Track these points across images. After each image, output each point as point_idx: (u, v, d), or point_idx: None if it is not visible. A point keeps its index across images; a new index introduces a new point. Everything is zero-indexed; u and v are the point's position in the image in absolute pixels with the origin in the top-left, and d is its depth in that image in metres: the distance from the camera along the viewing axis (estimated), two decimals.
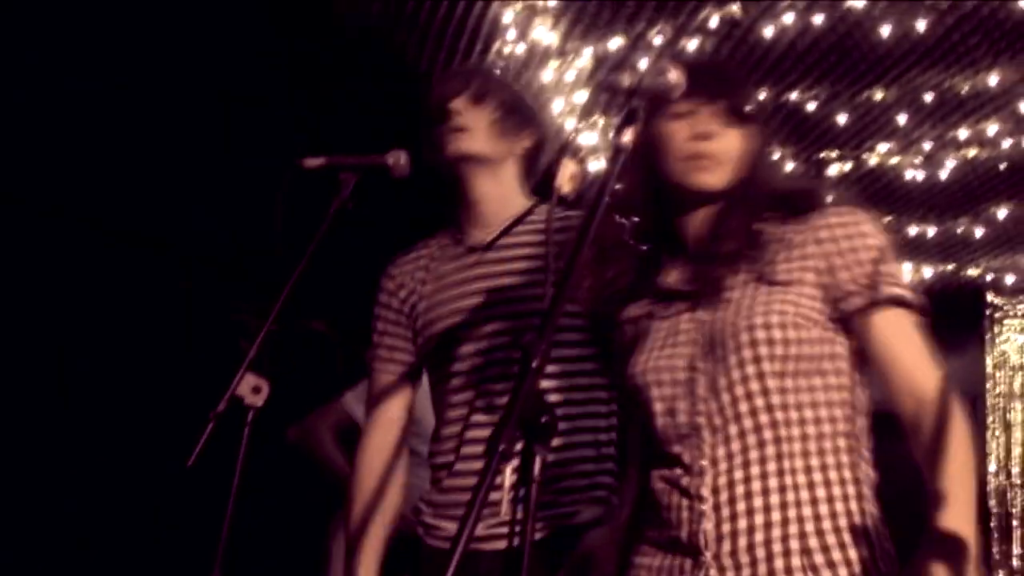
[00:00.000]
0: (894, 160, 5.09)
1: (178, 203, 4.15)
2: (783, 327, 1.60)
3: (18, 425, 3.85)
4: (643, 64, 4.35)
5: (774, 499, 1.57)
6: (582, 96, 4.65)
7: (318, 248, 2.11)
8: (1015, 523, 6.24)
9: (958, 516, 1.50)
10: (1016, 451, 6.38)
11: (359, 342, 4.07)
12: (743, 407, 1.60)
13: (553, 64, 4.47)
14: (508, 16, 4.18)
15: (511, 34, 4.27)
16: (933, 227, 5.82)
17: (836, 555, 1.55)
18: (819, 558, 1.54)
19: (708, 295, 1.67)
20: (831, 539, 1.56)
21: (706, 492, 1.59)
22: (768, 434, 1.59)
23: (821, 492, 1.58)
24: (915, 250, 6.09)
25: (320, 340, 4.17)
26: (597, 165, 5.28)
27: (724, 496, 1.58)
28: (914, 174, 5.14)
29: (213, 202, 4.10)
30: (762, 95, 4.44)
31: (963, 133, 4.78)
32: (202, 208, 4.13)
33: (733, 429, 1.59)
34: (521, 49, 4.34)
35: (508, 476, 1.08)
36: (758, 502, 1.57)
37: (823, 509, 1.57)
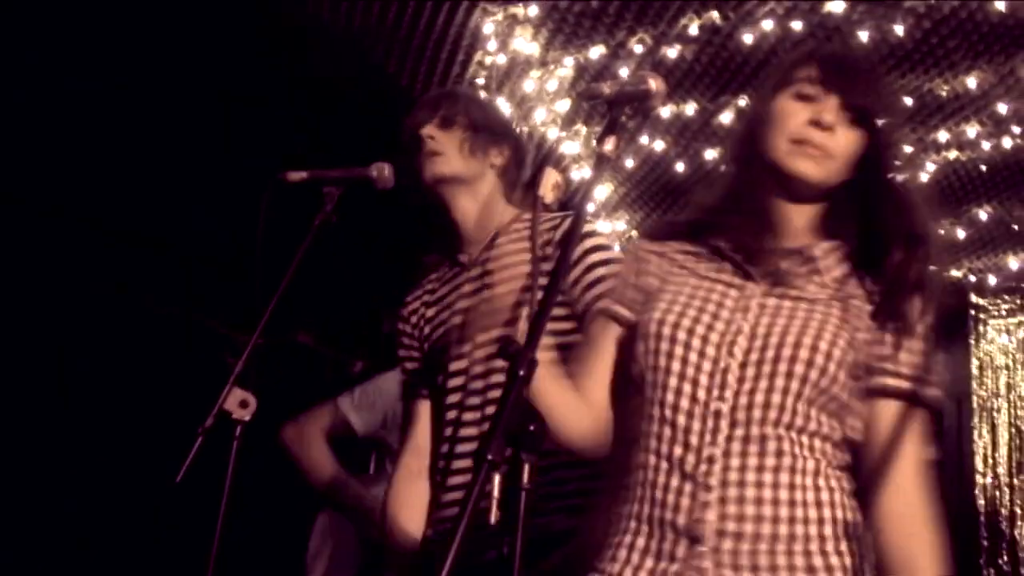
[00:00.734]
0: None
1: (178, 203, 4.14)
2: (840, 365, 1.57)
3: (16, 427, 3.82)
4: (624, 72, 4.37)
5: (783, 512, 1.54)
6: (564, 105, 4.66)
7: (303, 261, 2.11)
8: (1003, 523, 6.26)
9: None
10: (1002, 451, 6.40)
11: (345, 354, 4.08)
12: (773, 415, 1.56)
13: (534, 74, 4.49)
14: (489, 27, 4.20)
15: (492, 45, 4.29)
16: None
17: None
18: None
19: (779, 287, 1.64)
20: (834, 560, 1.55)
21: (714, 482, 1.54)
22: (787, 448, 1.56)
23: (827, 513, 1.57)
24: None
25: (306, 353, 4.17)
26: (580, 174, 5.31)
27: (733, 492, 1.54)
28: (895, 177, 5.16)
29: (213, 202, 4.09)
30: (743, 102, 4.46)
31: (943, 136, 4.80)
32: (202, 208, 4.13)
33: (756, 431, 1.55)
34: (502, 59, 4.35)
35: (496, 484, 1.08)
36: (768, 511, 1.54)
37: (827, 531, 1.56)
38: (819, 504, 1.56)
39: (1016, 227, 5.66)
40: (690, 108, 4.68)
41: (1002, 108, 4.51)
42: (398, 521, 2.24)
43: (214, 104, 4.06)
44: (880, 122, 1.65)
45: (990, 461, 6.40)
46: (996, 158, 4.93)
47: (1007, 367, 6.54)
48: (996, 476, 6.36)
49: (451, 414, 2.17)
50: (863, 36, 4.07)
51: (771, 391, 1.56)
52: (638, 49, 4.27)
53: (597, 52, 4.34)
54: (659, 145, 4.96)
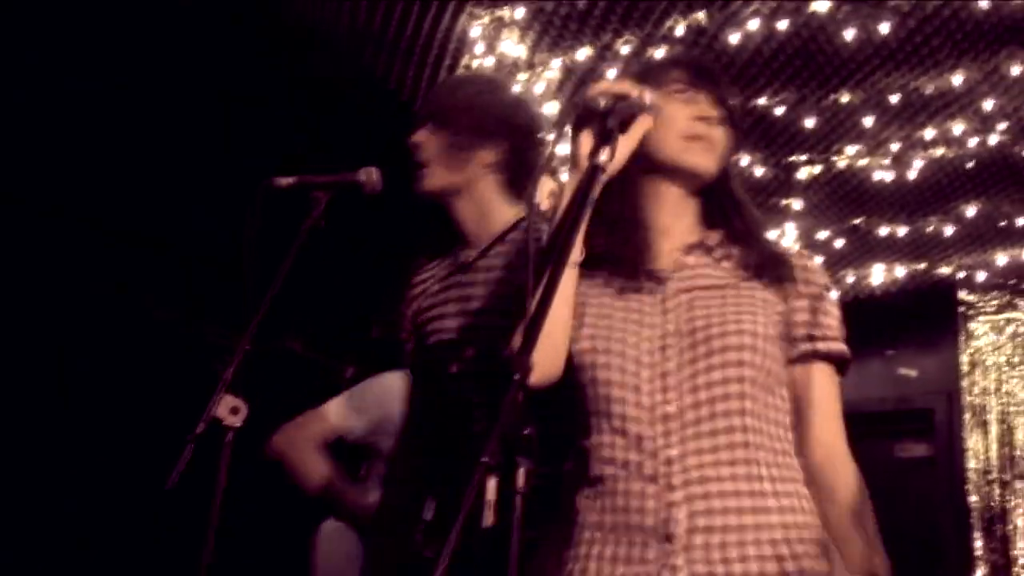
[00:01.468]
0: (863, 162, 5.13)
1: (178, 203, 4.13)
2: (765, 339, 1.63)
3: (15, 428, 3.80)
4: (611, 74, 4.37)
5: (746, 502, 1.56)
6: (552, 108, 4.66)
7: (291, 267, 2.10)
8: (994, 519, 6.28)
9: (877, 552, 1.61)
10: (993, 448, 6.42)
11: (335, 359, 4.07)
12: (720, 407, 1.59)
13: (522, 77, 4.49)
14: (476, 30, 4.20)
15: (479, 48, 4.29)
16: (904, 227, 5.86)
17: (806, 563, 1.55)
18: (790, 566, 1.54)
19: (690, 281, 1.69)
20: (799, 548, 1.56)
21: (677, 481, 1.56)
22: (739, 437, 1.59)
23: (785, 501, 1.59)
24: (886, 250, 6.13)
25: (295, 359, 4.15)
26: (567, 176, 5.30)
27: (698, 489, 1.56)
28: (883, 175, 5.18)
29: (213, 202, 4.08)
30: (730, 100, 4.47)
31: (929, 133, 4.82)
32: (202, 208, 4.12)
33: (706, 426, 1.58)
34: (490, 62, 4.35)
35: (491, 489, 1.08)
36: (732, 503, 1.56)
37: (788, 518, 1.58)
38: (777, 494, 1.59)
39: (1004, 223, 5.68)
40: None
41: (988, 105, 4.53)
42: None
43: (214, 104, 4.05)
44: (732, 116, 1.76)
45: (981, 458, 6.42)
46: (983, 154, 4.95)
47: (996, 364, 6.56)
48: (987, 473, 6.38)
49: (440, 417, 2.17)
50: (848, 35, 4.08)
51: (711, 384, 1.60)
52: (625, 51, 4.27)
53: (584, 54, 4.35)
54: None
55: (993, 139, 4.81)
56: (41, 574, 3.91)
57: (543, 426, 1.84)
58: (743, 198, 1.79)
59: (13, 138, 3.68)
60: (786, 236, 5.76)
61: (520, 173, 2.19)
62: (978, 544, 6.23)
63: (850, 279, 6.46)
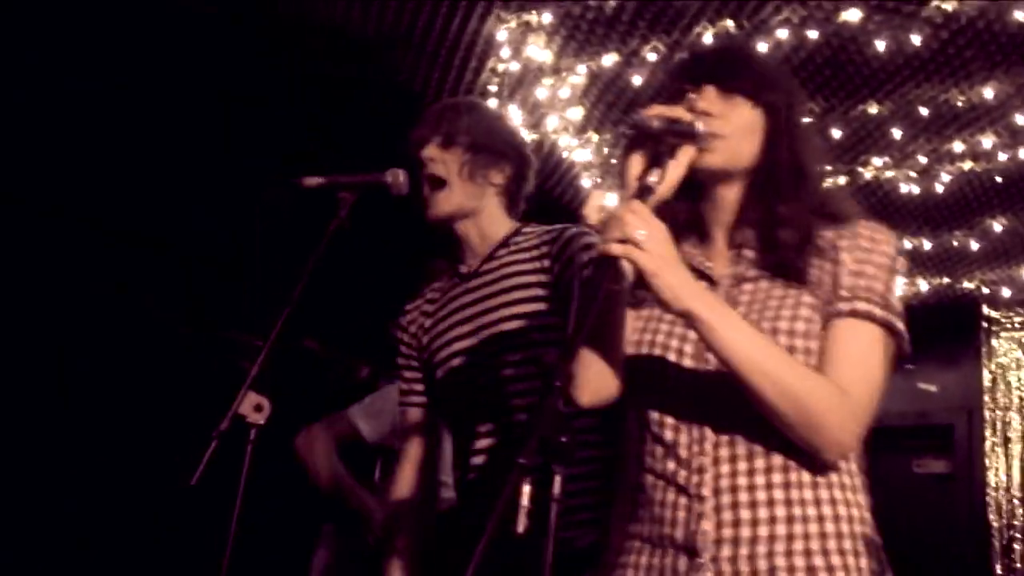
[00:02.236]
0: (889, 174, 5.10)
1: (178, 203, 4.15)
2: (806, 337, 1.55)
3: (16, 429, 3.81)
4: (637, 80, 4.36)
5: (780, 511, 1.52)
6: (576, 113, 4.65)
7: (317, 266, 2.10)
8: (1017, 536, 6.22)
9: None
10: (1016, 464, 6.37)
11: (351, 359, 4.07)
12: (755, 411, 1.52)
13: (547, 81, 4.48)
14: (502, 34, 4.19)
15: (505, 52, 4.28)
16: (928, 240, 5.83)
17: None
18: None
19: (726, 285, 1.63)
20: (836, 560, 1.52)
21: (707, 492, 1.54)
22: (776, 442, 1.53)
23: (827, 510, 1.54)
24: (911, 263, 6.09)
25: (313, 358, 4.16)
26: (590, 181, 5.29)
27: (727, 499, 1.53)
28: (909, 188, 5.15)
29: (213, 202, 4.09)
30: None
31: (958, 146, 4.79)
32: (202, 208, 4.13)
33: (741, 433, 1.54)
34: (515, 66, 4.34)
35: (526, 493, 1.06)
36: (763, 512, 1.52)
37: (829, 527, 1.53)
38: (818, 502, 1.54)
39: None
40: None
41: (1019, 119, 4.50)
42: (395, 530, 2.31)
43: (214, 104, 4.06)
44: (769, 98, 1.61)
45: (1002, 475, 6.36)
46: (1012, 169, 4.91)
47: (1019, 380, 6.51)
48: (1008, 490, 6.32)
49: (457, 424, 2.21)
50: (879, 45, 4.05)
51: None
52: (651, 57, 4.25)
53: (610, 60, 4.33)
54: None
55: (1023, 154, 4.77)
56: (64, 569, 3.93)
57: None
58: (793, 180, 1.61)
59: (13, 138, 3.69)
60: None
61: (518, 196, 2.27)
62: (997, 564, 6.17)
63: None
